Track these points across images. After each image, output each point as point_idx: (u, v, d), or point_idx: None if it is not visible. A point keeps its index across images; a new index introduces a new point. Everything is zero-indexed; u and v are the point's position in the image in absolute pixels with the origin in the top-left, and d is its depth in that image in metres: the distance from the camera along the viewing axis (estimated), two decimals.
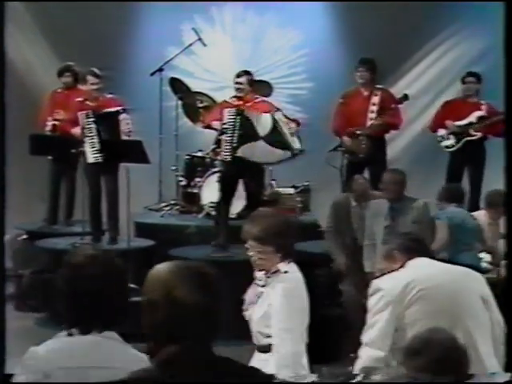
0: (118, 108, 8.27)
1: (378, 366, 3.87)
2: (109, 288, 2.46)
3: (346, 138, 8.58)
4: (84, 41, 10.16)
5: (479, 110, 8.85)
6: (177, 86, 10.05)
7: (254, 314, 4.26)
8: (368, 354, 3.95)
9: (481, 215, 7.86)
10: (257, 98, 8.23)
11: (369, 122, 8.58)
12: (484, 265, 7.17)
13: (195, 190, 9.49)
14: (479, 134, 8.82)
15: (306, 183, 9.75)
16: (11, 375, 2.79)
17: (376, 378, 3.10)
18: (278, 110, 8.14)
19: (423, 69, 10.76)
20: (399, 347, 3.90)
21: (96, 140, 8.20)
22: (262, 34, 10.98)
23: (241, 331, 4.47)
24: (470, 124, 8.84)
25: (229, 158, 7.91)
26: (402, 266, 4.06)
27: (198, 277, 2.24)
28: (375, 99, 8.60)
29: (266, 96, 9.00)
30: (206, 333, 2.21)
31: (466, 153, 8.85)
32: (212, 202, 8.85)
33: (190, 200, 9.60)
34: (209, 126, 8.43)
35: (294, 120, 8.18)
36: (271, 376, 2.50)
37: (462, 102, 9.08)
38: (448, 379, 3.23)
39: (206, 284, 2.23)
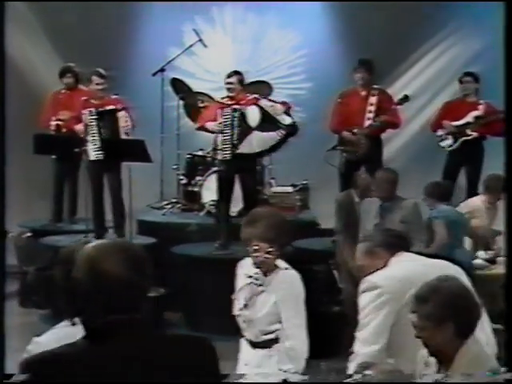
0: (117, 106, 8.33)
1: (374, 361, 3.86)
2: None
3: (346, 135, 8.61)
4: (86, 41, 10.16)
5: (477, 109, 8.86)
6: (178, 86, 10.07)
7: (254, 313, 4.27)
8: (363, 352, 3.90)
9: (478, 200, 7.93)
10: (247, 95, 8.26)
11: (367, 122, 8.60)
12: (480, 262, 7.20)
13: (196, 189, 9.51)
14: (475, 134, 8.83)
15: (305, 182, 9.76)
16: (11, 375, 2.80)
17: (369, 372, 3.11)
18: (262, 97, 8.17)
19: (420, 69, 10.77)
20: (394, 345, 3.92)
21: (97, 137, 8.27)
22: (262, 35, 10.99)
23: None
24: (467, 124, 8.86)
25: (229, 157, 7.92)
26: (385, 263, 4.01)
27: (122, 252, 2.28)
28: (373, 99, 8.62)
29: (265, 96, 9.02)
30: (131, 305, 2.25)
31: (464, 152, 8.87)
32: (213, 201, 8.87)
33: (191, 198, 9.62)
34: (203, 127, 8.43)
35: (281, 102, 8.20)
36: (204, 339, 2.43)
37: (460, 102, 9.09)
38: (454, 325, 3.25)
39: (129, 258, 2.26)
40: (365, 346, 3.90)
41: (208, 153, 9.43)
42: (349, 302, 6.55)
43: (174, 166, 9.88)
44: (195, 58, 10.70)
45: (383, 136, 8.95)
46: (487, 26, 9.93)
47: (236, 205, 8.37)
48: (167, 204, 9.76)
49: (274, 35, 10.97)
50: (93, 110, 8.30)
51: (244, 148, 7.90)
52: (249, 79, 9.77)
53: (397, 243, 4.10)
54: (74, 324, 2.89)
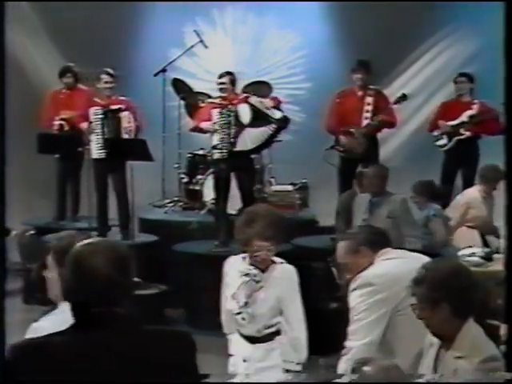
0: (122, 106, 8.38)
1: (365, 356, 3.84)
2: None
3: (342, 137, 8.61)
4: (88, 42, 10.17)
5: (471, 109, 8.88)
6: (179, 86, 10.07)
7: (257, 309, 4.29)
8: (353, 346, 3.89)
9: (475, 191, 7.96)
10: (238, 94, 8.28)
11: (364, 122, 8.63)
12: (476, 259, 7.19)
13: (197, 187, 9.51)
14: (468, 133, 8.84)
15: (304, 180, 9.76)
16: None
17: (368, 369, 3.10)
18: (251, 95, 8.19)
19: (418, 69, 10.77)
20: (388, 343, 3.92)
21: (101, 136, 8.32)
22: (262, 36, 10.99)
23: None
24: (462, 123, 8.87)
25: (226, 156, 7.93)
26: (370, 261, 3.98)
27: (107, 252, 2.41)
28: (369, 99, 8.65)
29: (265, 96, 9.02)
30: (114, 301, 2.38)
31: (460, 152, 8.87)
32: (213, 199, 8.87)
33: (193, 197, 9.63)
34: (197, 128, 8.43)
35: (270, 98, 8.22)
36: (186, 334, 2.55)
37: (455, 102, 9.11)
38: (449, 306, 3.25)
39: (113, 259, 2.39)
40: (355, 340, 3.89)
41: (208, 152, 9.43)
42: (347, 299, 6.56)
43: (176, 165, 9.89)
44: (196, 58, 10.70)
45: (380, 136, 8.97)
46: (484, 27, 9.93)
47: (236, 203, 8.37)
48: (169, 202, 9.77)
49: (273, 36, 10.97)
50: (99, 108, 8.36)
51: (239, 146, 7.92)
52: (249, 79, 9.80)
53: (379, 240, 4.08)
54: None
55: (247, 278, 4.29)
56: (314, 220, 9.32)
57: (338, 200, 8.05)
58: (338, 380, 3.76)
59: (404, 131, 10.39)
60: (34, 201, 10.02)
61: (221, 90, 8.25)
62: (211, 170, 9.04)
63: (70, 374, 2.31)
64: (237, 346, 4.41)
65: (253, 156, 8.73)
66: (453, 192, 9.05)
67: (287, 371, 4.32)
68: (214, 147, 8.10)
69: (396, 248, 4.18)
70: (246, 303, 4.27)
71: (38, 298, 8.39)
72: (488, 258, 7.21)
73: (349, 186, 8.13)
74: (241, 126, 7.91)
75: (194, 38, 10.23)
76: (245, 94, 8.31)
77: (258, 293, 4.29)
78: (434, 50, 10.74)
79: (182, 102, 10.06)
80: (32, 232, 9.03)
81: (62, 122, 8.94)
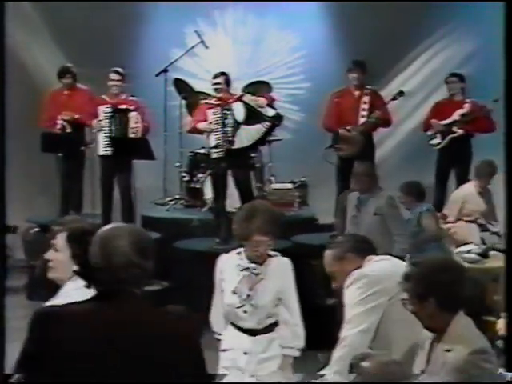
0: (131, 106, 8.44)
1: (358, 345, 3.85)
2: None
3: (340, 136, 8.67)
4: (91, 42, 10.17)
5: (463, 108, 8.91)
6: (181, 86, 10.06)
7: (259, 301, 4.35)
8: (347, 335, 3.88)
9: (470, 186, 8.01)
10: (233, 94, 8.29)
11: (360, 120, 8.69)
12: (472, 255, 7.20)
13: (198, 185, 9.51)
14: (461, 131, 8.87)
15: (304, 178, 9.75)
16: (11, 375, 2.81)
17: (366, 364, 3.09)
18: (245, 94, 8.21)
19: (415, 69, 10.77)
20: (383, 339, 3.92)
21: (108, 134, 8.42)
22: (262, 37, 10.98)
23: None
24: (454, 122, 8.91)
25: (223, 154, 7.94)
26: (357, 267, 3.98)
27: (130, 236, 2.63)
28: (366, 99, 8.75)
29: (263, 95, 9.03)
30: (132, 280, 2.59)
31: (453, 150, 8.91)
32: (213, 197, 8.86)
33: (194, 195, 9.63)
34: (194, 129, 8.44)
35: (264, 96, 8.21)
36: (194, 317, 2.79)
37: (448, 102, 9.18)
38: (436, 300, 3.25)
39: (135, 242, 2.61)
40: (351, 328, 3.89)
41: (209, 151, 9.42)
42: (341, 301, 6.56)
43: (177, 164, 9.88)
44: (197, 58, 10.69)
45: (377, 136, 9.03)
46: (480, 28, 9.94)
47: (235, 201, 8.36)
48: (170, 200, 9.76)
49: (273, 37, 10.97)
50: (109, 107, 8.44)
51: (236, 144, 7.94)
52: (249, 79, 9.80)
53: (365, 248, 4.09)
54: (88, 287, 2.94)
55: (247, 272, 4.35)
56: (314, 218, 9.31)
57: (335, 199, 8.06)
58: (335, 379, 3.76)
59: (401, 131, 10.39)
60: (36, 199, 10.01)
61: (216, 90, 8.28)
62: (209, 171, 9.05)
63: (85, 340, 2.50)
64: (234, 340, 4.44)
65: (252, 154, 8.75)
66: (446, 190, 9.08)
67: (285, 356, 4.42)
68: (213, 146, 8.10)
69: (381, 252, 4.21)
70: (249, 296, 4.33)
71: (42, 295, 8.44)
72: (484, 254, 7.22)
73: (346, 184, 8.14)
74: (236, 125, 7.92)
75: (195, 39, 10.21)
76: (239, 93, 8.32)
77: (258, 285, 4.35)
78: (432, 50, 10.74)
79: (184, 102, 10.05)
80: (36, 229, 9.03)
81: (64, 123, 8.93)
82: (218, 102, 8.12)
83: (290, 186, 9.70)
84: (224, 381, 4.40)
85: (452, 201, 8.22)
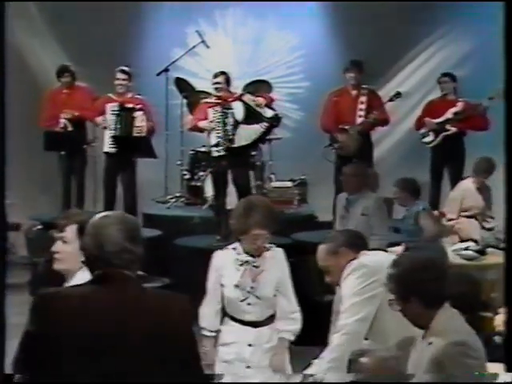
0: (137, 105, 8.47)
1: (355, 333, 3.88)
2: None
3: (338, 135, 8.70)
4: (93, 42, 10.17)
5: (455, 106, 8.93)
6: (182, 85, 10.07)
7: (262, 292, 4.42)
8: (344, 323, 3.92)
9: (468, 182, 8.02)
10: (233, 93, 8.29)
11: (358, 120, 8.71)
12: (470, 252, 7.20)
13: (199, 184, 9.51)
14: (454, 129, 8.89)
15: (303, 177, 9.76)
16: (11, 375, 2.81)
17: (365, 360, 3.09)
18: (245, 93, 8.19)
19: (413, 69, 10.77)
20: (378, 332, 3.93)
21: (113, 132, 8.47)
22: (262, 37, 10.99)
23: None
24: (447, 120, 8.93)
25: (223, 153, 7.94)
26: (350, 262, 4.01)
27: (120, 223, 2.76)
28: (363, 98, 8.78)
29: (264, 94, 9.04)
30: (123, 263, 2.71)
31: (446, 149, 8.94)
32: (213, 195, 8.87)
33: (194, 193, 9.63)
34: (195, 127, 8.45)
35: (261, 96, 8.21)
36: (185, 299, 2.86)
37: (441, 101, 9.23)
38: (418, 299, 3.24)
39: (125, 229, 2.74)
40: (348, 317, 3.92)
41: (210, 149, 9.42)
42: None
43: (178, 162, 9.89)
44: (198, 58, 10.70)
45: (375, 135, 9.03)
46: (477, 28, 9.94)
47: (235, 199, 8.36)
48: (171, 198, 9.77)
49: (273, 37, 10.97)
50: (116, 105, 8.46)
51: (236, 142, 7.95)
52: (249, 79, 9.80)
53: (358, 243, 4.12)
54: None
55: (247, 266, 4.42)
56: (313, 215, 9.31)
57: (334, 197, 8.05)
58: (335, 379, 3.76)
59: (399, 130, 10.39)
60: (38, 197, 10.02)
61: (216, 89, 8.28)
62: (209, 169, 9.05)
63: (84, 319, 2.63)
64: (237, 333, 4.48)
65: (252, 153, 8.76)
66: (441, 188, 9.10)
67: (282, 339, 4.50)
68: (214, 145, 8.11)
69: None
70: (252, 288, 4.40)
71: None
72: (482, 251, 7.22)
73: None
74: (236, 124, 7.93)
75: (196, 39, 10.22)
76: (239, 93, 8.32)
77: (259, 277, 4.42)
78: (429, 50, 10.74)
79: (185, 101, 10.06)
80: (39, 227, 9.03)
81: (66, 122, 8.93)
82: (219, 101, 8.13)
83: (289, 184, 9.71)
84: (225, 377, 4.44)
85: (452, 198, 8.23)
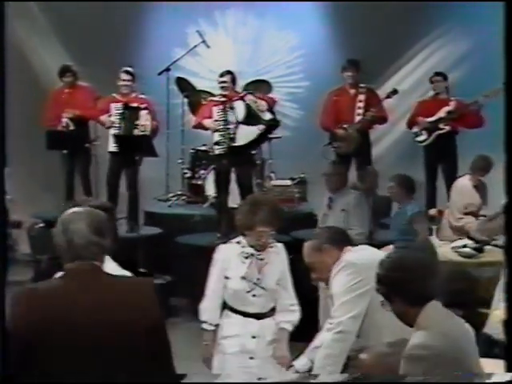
0: (141, 105, 8.51)
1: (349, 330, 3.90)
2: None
3: (337, 133, 8.71)
4: (95, 42, 10.17)
5: (448, 105, 8.94)
6: (183, 84, 10.08)
7: (267, 284, 4.50)
8: (338, 322, 3.93)
9: (465, 179, 8.02)
10: (238, 93, 8.29)
11: (356, 118, 8.72)
12: (468, 250, 7.20)
13: (200, 182, 9.53)
14: (448, 128, 8.90)
15: (303, 175, 9.76)
16: (11, 375, 2.82)
17: (364, 356, 3.09)
18: (249, 93, 8.17)
19: (411, 69, 10.77)
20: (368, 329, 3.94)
21: (117, 131, 8.48)
22: (262, 37, 11.00)
23: None
24: (440, 119, 8.94)
25: (225, 151, 7.95)
26: (336, 258, 4.04)
27: (87, 218, 2.90)
28: (361, 97, 8.79)
29: (265, 94, 9.04)
30: (91, 256, 2.86)
31: (439, 147, 8.94)
32: (215, 193, 8.87)
33: (195, 191, 9.64)
34: (200, 125, 8.45)
35: (263, 98, 8.21)
36: (149, 281, 3.05)
37: (433, 100, 9.21)
38: (401, 299, 3.24)
39: (92, 223, 2.88)
40: (341, 315, 3.94)
41: (211, 148, 9.43)
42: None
43: (179, 161, 9.90)
44: (199, 58, 10.70)
45: (374, 134, 9.05)
46: (475, 28, 9.93)
47: (236, 197, 8.37)
48: (173, 196, 9.78)
49: (272, 37, 10.98)
50: (120, 104, 8.50)
51: (237, 141, 7.96)
52: (249, 78, 9.80)
53: (342, 239, 4.16)
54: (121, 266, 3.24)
55: (252, 259, 4.49)
56: (312, 213, 9.28)
57: None
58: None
59: (398, 129, 10.39)
60: (41, 196, 10.02)
61: (222, 88, 8.28)
62: (212, 166, 9.05)
63: (59, 312, 2.78)
64: (241, 325, 4.53)
65: (253, 152, 8.76)
66: (436, 186, 9.11)
67: (282, 330, 4.58)
68: (216, 143, 8.13)
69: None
70: (258, 279, 4.48)
71: None
72: (480, 249, 7.22)
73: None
74: (237, 123, 7.94)
75: (196, 39, 10.22)
76: (244, 92, 8.31)
77: (264, 269, 4.50)
78: (428, 50, 10.74)
79: (186, 100, 10.07)
80: (41, 225, 9.04)
81: (68, 121, 8.93)
82: (223, 100, 8.14)
83: (289, 182, 9.72)
84: (229, 369, 4.51)
85: (454, 197, 8.17)
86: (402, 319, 3.28)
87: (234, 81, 8.32)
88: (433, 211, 8.74)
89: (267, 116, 8.03)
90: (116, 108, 8.54)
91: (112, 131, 8.54)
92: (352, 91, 8.83)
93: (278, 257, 4.56)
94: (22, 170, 9.23)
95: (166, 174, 9.91)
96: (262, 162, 9.46)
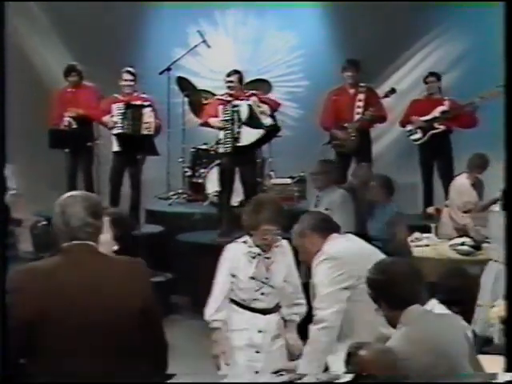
0: (144, 103, 8.50)
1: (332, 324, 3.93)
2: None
3: (336, 132, 8.73)
4: (96, 42, 10.17)
5: (442, 105, 8.95)
6: (183, 84, 10.08)
7: (275, 281, 4.58)
8: (321, 316, 3.98)
9: (463, 178, 8.03)
10: (245, 92, 8.28)
11: (356, 117, 8.74)
12: (465, 248, 7.21)
13: (200, 180, 9.53)
14: (442, 127, 8.92)
15: (302, 174, 9.77)
16: (11, 375, 2.83)
17: (363, 353, 3.09)
18: (253, 94, 8.18)
19: (409, 69, 10.78)
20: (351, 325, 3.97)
21: (120, 131, 8.45)
22: (262, 36, 11.00)
23: None
24: (435, 118, 8.95)
25: (230, 150, 7.96)
26: (319, 244, 4.09)
27: (84, 201, 3.04)
28: (361, 96, 8.81)
29: (265, 93, 9.04)
30: (87, 236, 3.01)
31: (434, 146, 8.96)
32: (216, 191, 8.88)
33: (196, 189, 9.65)
34: (206, 123, 8.46)
35: (267, 102, 8.20)
36: (140, 262, 3.14)
37: (427, 100, 9.22)
38: (384, 303, 3.33)
39: (88, 206, 3.03)
40: (324, 308, 3.98)
41: (211, 147, 9.45)
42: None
43: (180, 159, 9.91)
44: (199, 57, 10.71)
45: (373, 133, 9.06)
46: (473, 28, 9.94)
47: (238, 195, 8.39)
48: (173, 195, 9.79)
49: (273, 36, 10.98)
50: (121, 104, 8.50)
51: (241, 141, 7.95)
52: (249, 78, 9.80)
53: (325, 226, 4.20)
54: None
55: (260, 258, 4.56)
56: None
57: None
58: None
59: (397, 128, 10.38)
60: (43, 194, 10.02)
61: (229, 87, 8.25)
62: (215, 163, 9.06)
63: (57, 289, 2.90)
64: (248, 320, 4.60)
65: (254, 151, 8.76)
66: (433, 184, 9.12)
67: (291, 322, 4.70)
68: (218, 142, 8.13)
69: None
70: (267, 278, 4.56)
71: None
72: (477, 247, 7.22)
73: (343, 180, 8.16)
74: (241, 122, 7.94)
75: (197, 39, 10.23)
76: (250, 92, 8.29)
77: (272, 268, 4.58)
78: (426, 50, 10.75)
79: (186, 99, 10.07)
80: (44, 223, 9.04)
81: (70, 120, 8.94)
82: (229, 99, 8.14)
83: (289, 180, 9.73)
84: (236, 362, 4.57)
85: (453, 195, 8.17)
86: (390, 322, 3.38)
87: (240, 80, 8.30)
88: (430, 209, 8.76)
89: (268, 121, 8.01)
90: (118, 108, 8.52)
91: (115, 131, 8.52)
92: (352, 91, 8.85)
93: (282, 254, 4.63)
94: (25, 168, 9.22)
95: (166, 173, 9.92)
96: (261, 160, 9.47)
